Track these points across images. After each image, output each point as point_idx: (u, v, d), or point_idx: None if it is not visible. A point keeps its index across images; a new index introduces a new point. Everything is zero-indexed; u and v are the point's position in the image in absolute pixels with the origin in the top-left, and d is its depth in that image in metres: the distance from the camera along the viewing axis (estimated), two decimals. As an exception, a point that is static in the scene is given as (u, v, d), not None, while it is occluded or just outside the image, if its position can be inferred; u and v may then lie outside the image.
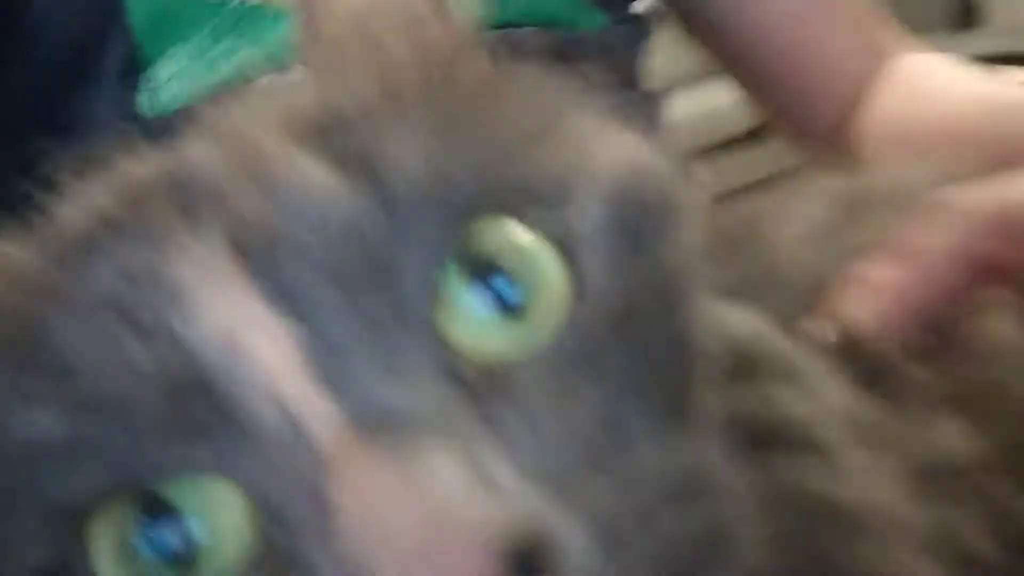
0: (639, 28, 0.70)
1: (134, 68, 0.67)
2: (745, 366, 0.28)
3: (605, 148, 0.26)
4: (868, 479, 0.27)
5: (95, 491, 0.22)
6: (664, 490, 0.23)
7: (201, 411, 0.22)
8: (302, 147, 0.24)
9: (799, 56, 0.67)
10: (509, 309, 0.24)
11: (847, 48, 0.67)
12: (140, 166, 0.26)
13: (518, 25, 0.61)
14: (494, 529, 0.20)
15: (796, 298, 0.32)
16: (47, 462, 0.22)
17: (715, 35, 0.71)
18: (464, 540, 0.20)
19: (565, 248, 0.24)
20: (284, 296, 0.22)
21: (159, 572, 0.22)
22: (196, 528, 0.22)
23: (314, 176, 0.23)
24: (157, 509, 0.22)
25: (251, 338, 0.22)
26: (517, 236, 0.24)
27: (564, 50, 0.62)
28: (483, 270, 0.24)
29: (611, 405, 0.23)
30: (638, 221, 0.25)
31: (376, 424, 0.21)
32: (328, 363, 0.22)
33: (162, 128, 0.72)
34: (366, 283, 0.22)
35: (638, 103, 0.65)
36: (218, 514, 0.22)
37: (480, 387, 0.22)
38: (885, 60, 0.65)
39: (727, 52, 0.71)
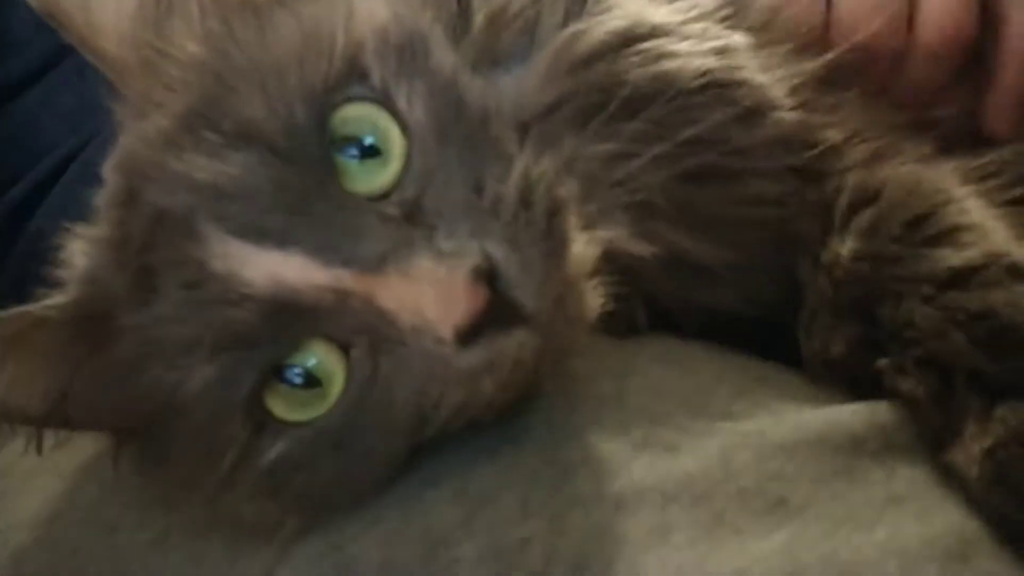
0: None
1: None
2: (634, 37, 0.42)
3: (358, 18, 0.38)
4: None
5: (254, 385, 0.36)
6: (520, 195, 0.36)
7: (286, 317, 0.35)
8: (203, 146, 0.36)
9: None
10: (373, 152, 0.36)
11: None
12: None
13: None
14: (464, 275, 0.34)
15: None
16: (219, 391, 0.36)
17: None
18: (459, 285, 0.34)
19: (382, 97, 0.37)
20: (276, 241, 0.35)
21: (304, 397, 0.36)
22: (316, 369, 0.36)
23: (225, 165, 0.35)
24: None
25: (281, 270, 0.35)
26: (356, 111, 0.37)
27: None
28: (346, 141, 0.36)
29: (463, 162, 0.36)
30: (403, 55, 0.37)
31: (375, 266, 0.35)
32: (328, 257, 0.35)
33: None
34: (305, 202, 0.35)
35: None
36: (324, 357, 0.36)
37: (399, 209, 0.36)
38: None
39: None
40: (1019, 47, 0.49)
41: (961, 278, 0.40)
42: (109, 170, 0.40)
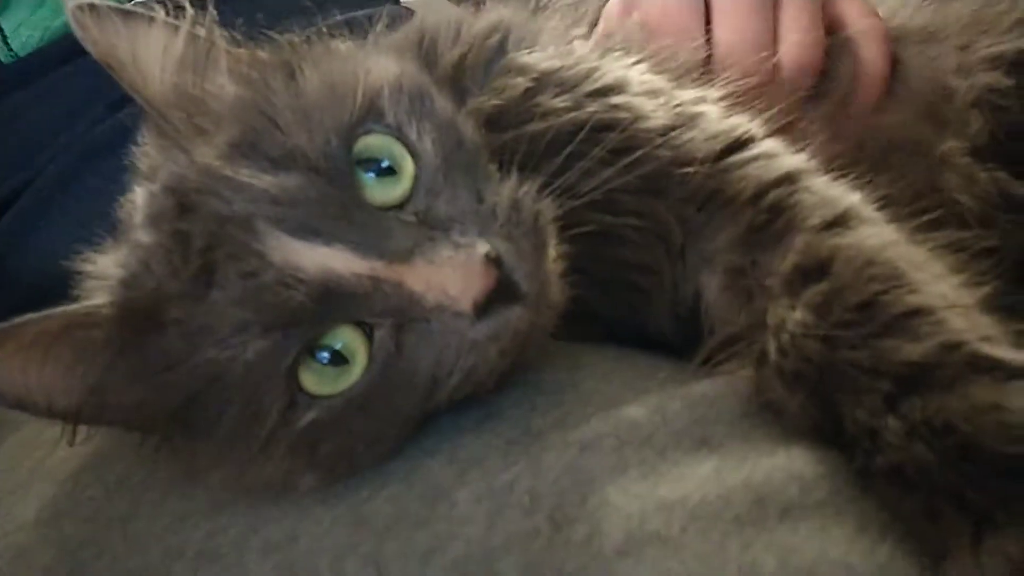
0: None
1: None
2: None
3: (375, 73, 0.48)
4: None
5: (293, 358, 0.44)
6: (512, 203, 0.46)
7: (331, 300, 0.43)
8: (255, 167, 0.44)
9: None
10: (388, 172, 0.46)
11: None
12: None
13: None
14: (479, 260, 0.43)
15: None
16: (268, 361, 0.43)
17: None
18: (476, 268, 0.43)
19: (396, 132, 0.47)
20: (324, 239, 0.43)
21: (331, 375, 0.44)
22: (343, 350, 0.45)
23: (277, 181, 0.44)
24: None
25: (329, 261, 0.43)
26: (375, 140, 0.46)
27: None
28: (366, 163, 0.46)
29: (465, 181, 0.46)
30: (414, 102, 0.48)
31: (405, 257, 0.44)
32: (366, 251, 0.43)
33: (20, 71, 0.79)
34: (343, 209, 0.44)
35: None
36: (349, 339, 0.45)
37: (414, 217, 0.45)
38: None
39: None
40: (871, 72, 0.63)
41: (920, 377, 0.42)
42: (149, 192, 0.47)
